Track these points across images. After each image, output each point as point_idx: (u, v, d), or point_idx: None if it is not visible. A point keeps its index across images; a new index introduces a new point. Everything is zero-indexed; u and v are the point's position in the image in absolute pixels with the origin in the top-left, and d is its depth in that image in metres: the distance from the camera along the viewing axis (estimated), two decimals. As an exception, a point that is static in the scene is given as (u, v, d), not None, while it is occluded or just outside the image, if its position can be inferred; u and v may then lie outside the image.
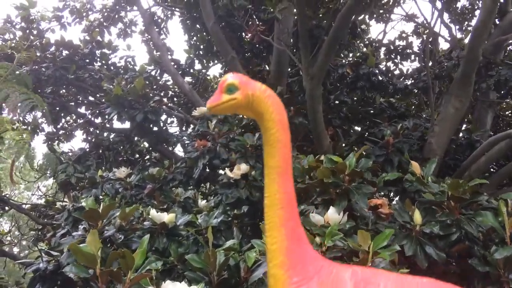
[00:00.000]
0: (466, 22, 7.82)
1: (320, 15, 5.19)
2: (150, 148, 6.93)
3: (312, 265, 1.15)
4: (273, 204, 1.15)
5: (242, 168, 3.86)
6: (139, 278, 1.73)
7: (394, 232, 2.13)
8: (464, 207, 2.52)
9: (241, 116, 6.11)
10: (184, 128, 7.33)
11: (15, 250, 12.41)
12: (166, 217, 2.83)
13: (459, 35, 7.39)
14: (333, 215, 2.24)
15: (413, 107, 6.51)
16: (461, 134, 5.47)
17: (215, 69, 28.69)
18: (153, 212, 2.83)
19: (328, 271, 1.15)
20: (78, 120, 7.60)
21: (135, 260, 1.67)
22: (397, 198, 5.10)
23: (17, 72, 2.82)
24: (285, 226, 1.14)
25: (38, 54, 6.44)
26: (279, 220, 1.14)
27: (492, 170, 5.56)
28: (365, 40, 7.35)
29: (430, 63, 5.85)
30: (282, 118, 1.17)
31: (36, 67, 6.29)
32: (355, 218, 2.43)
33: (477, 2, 7.12)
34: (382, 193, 3.77)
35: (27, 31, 7.28)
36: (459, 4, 7.64)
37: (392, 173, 2.97)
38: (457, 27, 7.82)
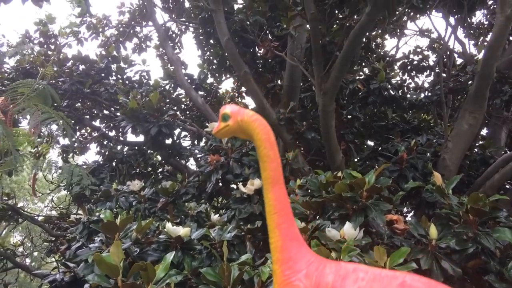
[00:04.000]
0: (482, 37, 7.82)
1: (333, 32, 5.23)
2: (163, 162, 6.99)
3: (302, 260, 1.32)
4: (269, 210, 1.35)
5: (256, 183, 3.87)
6: (159, 291, 1.75)
7: (410, 248, 2.13)
8: (481, 224, 2.51)
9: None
10: (196, 142, 7.39)
11: (27, 261, 12.48)
12: (181, 231, 2.85)
13: (474, 50, 7.40)
14: (349, 230, 2.24)
15: (426, 122, 6.48)
16: (475, 150, 5.43)
17: (227, 83, 28.96)
18: (168, 225, 2.85)
19: (317, 266, 1.31)
20: (93, 133, 7.70)
21: (156, 273, 1.68)
22: (411, 214, 5.09)
23: (41, 87, 2.88)
24: (279, 228, 1.33)
25: (55, 68, 6.57)
26: (274, 223, 1.34)
27: (507, 186, 5.50)
28: (380, 54, 7.37)
29: (444, 76, 5.85)
30: (268, 137, 1.36)
31: (53, 81, 6.41)
32: (370, 234, 2.43)
33: (493, 18, 7.12)
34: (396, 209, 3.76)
35: (45, 46, 7.44)
36: (475, 19, 7.65)
37: (413, 182, 2.98)
38: (472, 42, 7.83)
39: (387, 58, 7.42)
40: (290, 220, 1.35)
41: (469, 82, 5.80)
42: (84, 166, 6.77)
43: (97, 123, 7.68)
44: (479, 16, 7.72)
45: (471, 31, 7.67)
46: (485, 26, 7.79)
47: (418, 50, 7.78)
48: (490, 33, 5.14)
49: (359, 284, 1.22)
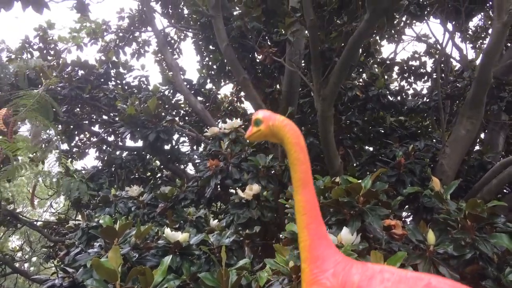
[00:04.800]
0: (480, 41, 7.87)
1: (332, 38, 5.25)
2: (162, 167, 6.99)
3: (330, 260, 1.35)
4: (299, 211, 1.39)
5: (254, 188, 3.89)
6: (157, 296, 1.76)
7: (407, 252, 2.14)
8: (478, 229, 2.52)
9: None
10: (195, 147, 7.40)
11: (26, 266, 12.44)
12: (180, 236, 2.86)
13: (472, 55, 7.44)
14: (347, 235, 2.26)
15: (424, 127, 6.50)
16: (472, 156, 5.46)
17: (226, 89, 28.96)
18: (167, 231, 2.86)
19: (344, 265, 1.34)
20: (92, 139, 7.71)
21: (154, 277, 1.69)
22: (410, 219, 5.10)
23: (43, 99, 2.88)
24: (308, 228, 1.37)
25: (54, 74, 6.59)
26: (303, 224, 1.38)
27: (504, 191, 5.52)
28: (377, 59, 7.40)
29: (442, 82, 5.88)
30: (299, 141, 1.41)
31: (52, 86, 6.42)
32: (367, 239, 2.44)
33: (490, 23, 7.16)
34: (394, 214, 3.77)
35: (45, 51, 7.46)
36: (472, 24, 7.69)
37: (411, 187, 2.99)
38: (471, 45, 7.87)
39: (387, 62, 7.44)
40: (318, 220, 1.40)
41: (467, 88, 5.83)
42: (83, 172, 6.77)
43: (96, 128, 7.69)
44: (476, 21, 7.78)
45: (468, 35, 7.71)
46: (483, 29, 7.83)
47: (416, 55, 7.82)
48: (488, 38, 5.17)
49: (385, 285, 1.25)
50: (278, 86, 6.54)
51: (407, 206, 4.74)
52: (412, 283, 1.22)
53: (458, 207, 2.63)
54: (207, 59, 7.41)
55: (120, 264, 1.73)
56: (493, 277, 2.37)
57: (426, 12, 5.63)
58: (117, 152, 7.29)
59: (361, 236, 2.36)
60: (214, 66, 7.00)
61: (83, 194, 3.20)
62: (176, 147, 6.36)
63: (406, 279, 1.24)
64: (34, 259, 12.49)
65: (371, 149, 6.12)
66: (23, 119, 2.78)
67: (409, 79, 7.65)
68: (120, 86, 7.64)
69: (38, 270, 12.00)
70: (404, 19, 7.26)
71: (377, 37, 7.21)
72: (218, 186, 4.54)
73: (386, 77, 6.69)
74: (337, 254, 1.38)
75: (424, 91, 7.46)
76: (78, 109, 7.44)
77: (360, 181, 2.55)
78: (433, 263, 2.37)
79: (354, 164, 5.53)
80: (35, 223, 7.57)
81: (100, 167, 6.96)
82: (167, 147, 6.12)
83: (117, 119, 6.51)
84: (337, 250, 1.40)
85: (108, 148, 7.54)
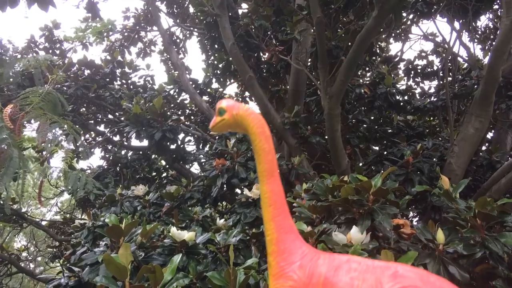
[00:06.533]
0: (489, 41, 7.80)
1: (339, 36, 5.22)
2: (167, 166, 6.98)
3: (297, 252, 1.34)
4: (265, 202, 1.37)
5: (261, 187, 3.86)
6: (166, 295, 1.74)
7: (417, 252, 2.11)
8: (488, 228, 2.48)
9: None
10: (201, 147, 7.38)
11: (31, 266, 12.48)
12: (186, 235, 2.84)
13: (481, 54, 7.37)
14: (356, 234, 2.22)
15: (431, 127, 6.46)
16: (481, 155, 5.41)
17: (232, 88, 29.00)
18: (173, 230, 2.84)
19: (311, 257, 1.33)
20: (97, 138, 7.71)
21: (163, 275, 1.67)
22: (416, 219, 5.06)
23: (50, 94, 2.86)
24: (274, 220, 1.35)
25: (60, 72, 6.59)
26: (269, 216, 1.36)
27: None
28: (384, 57, 7.35)
29: (450, 80, 5.83)
30: (263, 130, 1.39)
31: (59, 86, 6.42)
32: (377, 238, 2.41)
33: (499, 22, 7.10)
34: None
35: (50, 51, 7.47)
36: (480, 23, 7.62)
37: (420, 186, 2.95)
38: (480, 46, 7.81)
39: (395, 60, 7.38)
40: (285, 212, 1.37)
41: (474, 87, 5.77)
42: (89, 171, 6.77)
43: (101, 127, 7.70)
44: (484, 21, 7.70)
45: (477, 35, 7.64)
46: (491, 29, 7.76)
47: (423, 54, 7.77)
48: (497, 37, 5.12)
49: (352, 275, 1.23)
50: (284, 85, 6.51)
51: (413, 206, 4.70)
52: (379, 272, 1.21)
53: (467, 206, 2.59)
54: (212, 58, 7.39)
55: (131, 261, 1.71)
56: (503, 277, 2.33)
57: (433, 10, 5.58)
58: (123, 152, 7.30)
59: (370, 235, 2.33)
60: (220, 66, 6.98)
61: (90, 188, 3.17)
62: (181, 146, 6.35)
63: (373, 268, 1.23)
64: (39, 258, 12.53)
65: (378, 148, 6.09)
66: (31, 116, 2.76)
67: (416, 78, 7.59)
68: (125, 85, 7.64)
69: (44, 270, 12.03)
70: (411, 17, 7.19)
71: (384, 36, 7.17)
72: (224, 185, 4.52)
73: (392, 75, 6.64)
74: (304, 246, 1.37)
75: (431, 90, 7.41)
76: (83, 108, 7.44)
77: (370, 179, 2.52)
78: (443, 263, 2.34)
79: (361, 164, 5.50)
80: (40, 222, 7.59)
81: (105, 167, 6.96)
82: (172, 146, 6.11)
83: (122, 118, 6.51)
84: (304, 242, 1.39)
85: (114, 147, 7.53)
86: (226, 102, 1.44)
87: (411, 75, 7.53)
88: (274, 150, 1.40)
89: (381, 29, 5.16)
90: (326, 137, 4.66)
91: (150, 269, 1.68)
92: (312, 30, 5.25)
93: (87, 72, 7.01)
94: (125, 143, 7.40)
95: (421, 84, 7.64)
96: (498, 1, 5.97)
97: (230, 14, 5.73)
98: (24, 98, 2.80)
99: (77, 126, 7.05)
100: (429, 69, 7.50)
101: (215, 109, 1.47)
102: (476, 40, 7.45)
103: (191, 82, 7.11)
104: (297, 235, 1.38)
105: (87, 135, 7.97)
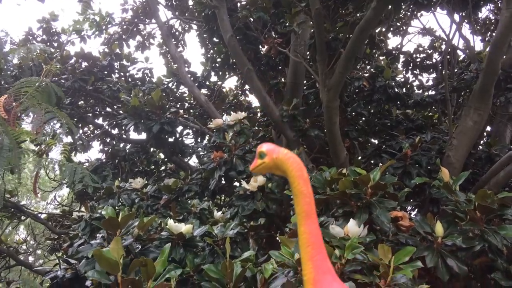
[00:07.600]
0: (489, 33, 7.74)
1: (337, 28, 5.18)
2: (166, 159, 6.97)
3: None
4: (303, 243, 1.40)
5: (259, 180, 3.86)
6: (160, 287, 1.73)
7: (416, 246, 2.11)
8: (487, 221, 2.48)
9: (257, 127, 6.14)
10: (199, 140, 7.37)
11: (30, 259, 12.50)
12: (183, 227, 2.83)
13: (480, 47, 7.33)
14: (353, 227, 2.21)
15: (430, 120, 6.43)
16: (480, 148, 5.39)
17: (231, 81, 28.94)
18: (170, 222, 2.83)
19: None
20: (95, 131, 7.69)
21: (155, 269, 1.66)
22: (415, 212, 5.05)
23: (44, 84, 2.84)
24: (312, 260, 1.38)
25: (58, 65, 6.56)
26: (307, 256, 1.38)
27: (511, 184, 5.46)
28: (383, 50, 7.31)
29: (449, 73, 5.80)
30: (301, 173, 1.42)
31: (56, 78, 6.39)
32: (374, 231, 2.40)
33: (499, 14, 7.05)
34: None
35: (48, 43, 7.42)
36: (481, 15, 7.56)
37: (420, 178, 2.95)
38: (480, 38, 7.76)
39: (394, 52, 7.34)
40: (323, 253, 1.40)
41: (473, 80, 5.74)
42: (87, 164, 6.76)
43: (99, 120, 7.67)
44: (485, 12, 7.64)
45: (477, 27, 7.59)
46: (492, 21, 7.71)
47: (421, 48, 7.72)
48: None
49: None
50: (283, 78, 6.48)
51: (411, 200, 4.69)
52: None
53: (467, 199, 2.58)
54: (211, 51, 7.36)
55: (122, 256, 1.69)
56: (502, 269, 2.34)
57: (432, 2, 5.53)
58: (121, 145, 7.28)
59: (368, 229, 2.32)
60: (218, 59, 6.95)
61: (87, 181, 3.16)
62: (180, 139, 6.33)
63: None
64: (38, 251, 12.55)
65: (376, 141, 6.07)
66: (25, 105, 2.74)
67: (414, 71, 7.55)
68: (123, 78, 7.60)
69: (43, 262, 12.05)
70: (410, 8, 7.14)
71: (383, 29, 7.12)
72: (222, 178, 4.51)
73: (391, 68, 6.60)
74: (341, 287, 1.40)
75: (430, 83, 7.38)
76: (81, 101, 7.41)
77: (368, 173, 2.50)
78: (441, 255, 2.34)
79: (360, 157, 5.49)
80: (39, 215, 7.58)
81: (103, 160, 6.95)
82: (171, 139, 6.09)
83: (120, 111, 6.48)
84: (342, 283, 1.42)
85: (112, 140, 7.52)
86: (266, 146, 1.49)
87: (410, 68, 7.49)
88: (312, 193, 1.44)
89: (380, 21, 5.11)
90: (325, 130, 4.64)
91: (142, 262, 1.67)
92: (310, 22, 5.22)
93: (84, 64, 6.97)
94: (124, 136, 7.39)
95: (419, 77, 7.61)
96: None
97: (228, 6, 5.69)
98: (18, 89, 2.78)
99: (75, 119, 7.08)
100: (428, 62, 7.46)
101: (255, 152, 1.49)
102: (477, 32, 7.40)
103: (189, 75, 7.08)
104: (335, 276, 1.41)
105: (86, 128, 7.96)
